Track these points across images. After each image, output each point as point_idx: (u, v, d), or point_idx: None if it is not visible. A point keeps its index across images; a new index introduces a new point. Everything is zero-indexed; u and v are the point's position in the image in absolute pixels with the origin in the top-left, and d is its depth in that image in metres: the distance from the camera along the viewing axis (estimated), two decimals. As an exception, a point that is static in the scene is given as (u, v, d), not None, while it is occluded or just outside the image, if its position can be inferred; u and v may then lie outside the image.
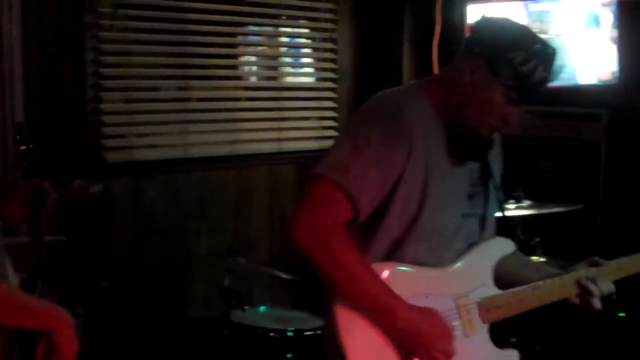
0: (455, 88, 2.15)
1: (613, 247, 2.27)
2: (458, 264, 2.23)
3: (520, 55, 2.06)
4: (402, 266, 2.17)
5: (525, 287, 2.24)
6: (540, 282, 2.25)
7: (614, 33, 3.96)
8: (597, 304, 2.25)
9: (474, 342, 2.20)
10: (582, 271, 2.27)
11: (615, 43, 3.96)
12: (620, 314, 3.32)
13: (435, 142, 2.16)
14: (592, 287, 2.24)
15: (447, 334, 2.14)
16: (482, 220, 2.32)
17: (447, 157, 2.18)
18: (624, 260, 2.30)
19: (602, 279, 2.25)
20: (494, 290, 2.23)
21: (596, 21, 4.04)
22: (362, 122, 2.17)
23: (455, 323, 2.18)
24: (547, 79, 2.13)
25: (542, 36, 2.17)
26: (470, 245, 2.27)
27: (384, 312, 2.10)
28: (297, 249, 2.07)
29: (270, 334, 3.47)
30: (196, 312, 4.14)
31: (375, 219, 2.15)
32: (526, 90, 2.10)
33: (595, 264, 2.30)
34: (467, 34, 2.17)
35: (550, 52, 2.12)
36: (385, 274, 2.13)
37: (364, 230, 2.16)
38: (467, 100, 2.12)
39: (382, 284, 2.11)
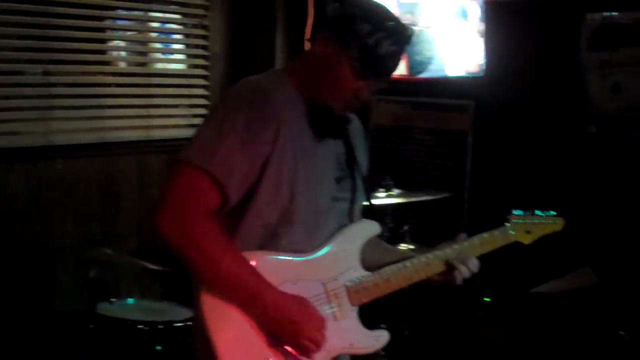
0: (311, 64, 2.17)
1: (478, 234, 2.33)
2: (326, 248, 2.22)
3: (366, 28, 2.08)
4: (269, 254, 2.15)
5: (391, 267, 2.26)
6: (407, 262, 2.27)
7: (481, 26, 4.07)
8: (459, 279, 2.28)
9: (345, 325, 2.21)
10: (446, 249, 2.31)
11: (482, 36, 4.07)
12: (485, 299, 3.41)
13: (302, 126, 2.16)
14: (456, 263, 2.27)
15: (317, 322, 2.13)
16: (351, 205, 2.32)
17: (314, 141, 2.18)
18: (484, 235, 2.36)
19: (466, 255, 2.29)
20: (362, 273, 2.24)
21: (464, 14, 4.15)
22: (227, 107, 2.13)
23: (325, 307, 2.18)
24: (395, 53, 2.14)
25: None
26: (338, 229, 2.27)
27: (253, 299, 2.07)
28: (163, 239, 2.01)
29: (139, 327, 3.39)
30: (61, 305, 3.97)
31: (244, 204, 2.11)
32: (372, 62, 2.11)
33: (457, 242, 2.34)
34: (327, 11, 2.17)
35: (400, 28, 2.15)
36: (252, 263, 2.10)
37: (234, 216, 2.12)
38: (320, 74, 2.14)
39: (251, 271, 2.08)
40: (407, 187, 3.86)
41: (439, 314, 3.79)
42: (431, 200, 3.83)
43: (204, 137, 2.08)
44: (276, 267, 2.13)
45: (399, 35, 2.14)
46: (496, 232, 2.37)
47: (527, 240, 2.41)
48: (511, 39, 4.00)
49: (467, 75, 4.16)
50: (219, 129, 2.06)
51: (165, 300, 3.84)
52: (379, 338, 2.29)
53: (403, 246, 3.64)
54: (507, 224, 2.39)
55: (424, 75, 4.28)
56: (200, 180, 2.03)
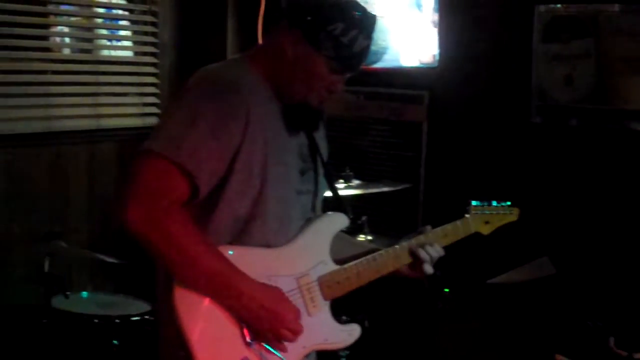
0: (279, 62, 2.13)
1: (435, 224, 2.35)
2: (296, 242, 2.21)
3: (339, 27, 2.07)
4: (241, 248, 2.11)
5: (361, 260, 2.27)
6: (376, 254, 2.28)
7: (435, 17, 4.09)
8: (428, 269, 2.29)
9: (318, 320, 2.21)
10: (412, 240, 2.32)
11: (436, 26, 4.09)
12: (445, 290, 3.45)
13: (270, 117, 2.13)
14: (422, 253, 2.28)
15: (294, 312, 2.12)
16: (314, 198, 2.32)
17: (283, 131, 2.17)
18: (447, 227, 2.37)
19: (431, 245, 2.30)
20: (333, 267, 2.24)
21: (418, 4, 4.16)
22: (194, 97, 2.08)
23: (299, 303, 2.17)
24: (368, 47, 2.15)
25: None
26: (306, 223, 2.26)
27: (229, 291, 2.04)
28: (130, 233, 1.95)
29: (95, 321, 3.33)
30: (12, 299, 3.86)
31: (215, 196, 2.07)
32: (348, 59, 2.12)
33: (423, 233, 2.35)
34: (284, 4, 2.15)
35: (370, 19, 2.14)
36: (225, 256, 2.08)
37: (204, 209, 2.09)
38: (292, 73, 2.12)
39: (226, 262, 2.05)
40: (362, 178, 3.87)
41: (399, 305, 3.81)
42: (388, 191, 3.83)
43: (169, 128, 2.03)
44: (249, 261, 2.10)
45: (369, 27, 2.14)
46: (458, 223, 2.39)
47: (486, 230, 2.44)
48: (465, 29, 4.03)
49: (421, 65, 4.18)
50: (186, 119, 2.01)
51: (119, 292, 3.77)
52: (352, 332, 2.29)
53: (362, 237, 3.65)
54: (467, 215, 2.41)
55: (378, 65, 4.28)
56: (169, 171, 1.98)
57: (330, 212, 2.33)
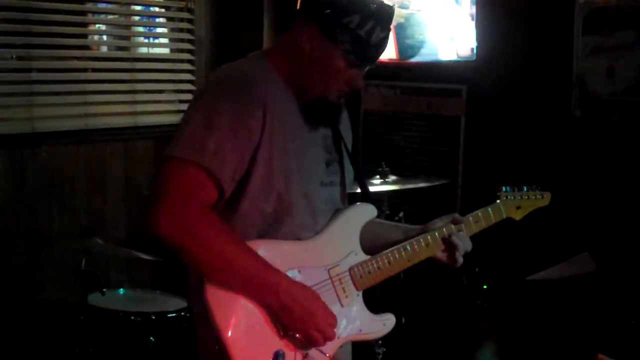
0: (297, 58, 2.12)
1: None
2: (326, 234, 2.20)
3: (356, 19, 2.05)
4: (271, 242, 2.11)
5: (392, 249, 2.25)
6: (407, 244, 2.26)
7: (473, 9, 4.03)
8: (460, 259, 2.28)
9: (352, 311, 2.20)
10: (444, 229, 2.29)
11: (473, 19, 4.03)
12: (483, 287, 3.40)
13: (289, 112, 2.12)
14: (455, 241, 2.26)
15: (329, 316, 2.10)
16: (341, 189, 2.31)
17: (303, 126, 2.16)
18: (478, 213, 2.35)
19: (463, 235, 2.28)
20: (363, 257, 2.23)
21: (456, -3, 4.10)
22: (211, 96, 2.08)
23: (331, 294, 2.16)
24: (386, 38, 2.13)
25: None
26: (335, 214, 2.25)
27: (265, 288, 2.04)
28: (164, 241, 1.96)
29: (132, 318, 3.34)
30: (50, 296, 3.89)
31: (238, 195, 2.07)
32: (366, 52, 2.10)
33: (455, 221, 2.32)
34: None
35: (386, 10, 2.12)
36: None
37: (229, 208, 2.08)
38: (310, 69, 2.11)
39: (260, 260, 2.04)
40: (399, 173, 3.83)
41: (436, 302, 3.77)
42: (425, 187, 3.79)
43: (191, 130, 2.03)
44: (279, 254, 2.10)
45: (386, 18, 2.12)
46: (489, 209, 2.37)
47: (518, 216, 2.42)
48: (503, 22, 3.96)
49: (459, 59, 4.12)
50: (204, 121, 2.01)
51: (155, 289, 3.78)
52: (387, 322, 2.29)
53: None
54: (498, 200, 2.39)
55: (415, 59, 4.23)
56: (194, 175, 1.98)
57: (358, 203, 2.32)
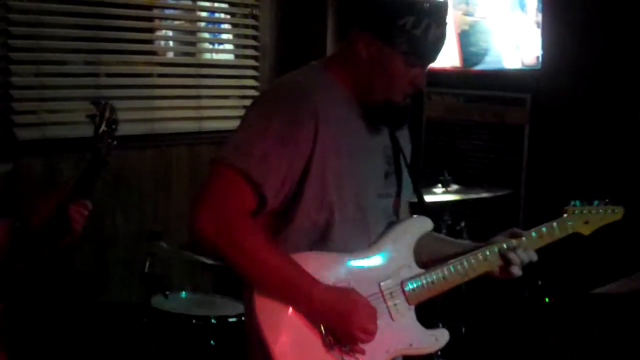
0: (355, 67, 2.11)
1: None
2: (379, 246, 2.18)
3: (410, 20, 2.03)
4: (322, 254, 2.10)
5: (447, 264, 2.22)
6: (463, 258, 2.23)
7: (539, 17, 3.98)
8: (517, 271, 2.23)
9: (403, 325, 2.17)
10: (502, 243, 2.26)
11: (539, 27, 3.98)
12: (545, 300, 3.35)
13: (347, 120, 2.12)
14: (512, 256, 2.22)
15: (366, 311, 2.08)
16: (397, 201, 2.28)
17: (363, 135, 2.15)
18: (542, 228, 2.30)
19: (523, 249, 2.24)
20: (417, 270, 2.20)
21: (522, 5, 4.06)
22: (264, 106, 2.10)
23: (382, 307, 2.13)
24: (443, 34, 2.10)
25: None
26: (389, 226, 2.23)
27: (299, 296, 2.04)
28: (201, 242, 1.99)
29: (193, 321, 3.38)
30: (114, 297, 3.96)
31: (291, 205, 2.07)
32: (424, 51, 2.08)
33: (514, 235, 2.29)
34: (352, 9, 2.13)
35: (439, 6, 2.10)
36: (305, 264, 2.05)
37: (281, 219, 2.09)
38: (372, 74, 2.10)
39: (294, 267, 2.03)
40: (461, 183, 3.80)
41: (497, 314, 3.73)
42: (488, 197, 3.75)
43: (240, 137, 2.05)
44: (330, 267, 2.10)
45: (441, 14, 2.10)
46: (554, 224, 2.32)
47: (586, 231, 2.36)
48: (569, 30, 3.91)
49: (523, 67, 4.08)
50: (255, 128, 2.04)
51: (216, 293, 3.81)
52: (439, 337, 2.25)
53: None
54: (565, 215, 2.33)
55: (479, 67, 4.20)
56: (236, 180, 1.99)
57: (415, 216, 2.30)
